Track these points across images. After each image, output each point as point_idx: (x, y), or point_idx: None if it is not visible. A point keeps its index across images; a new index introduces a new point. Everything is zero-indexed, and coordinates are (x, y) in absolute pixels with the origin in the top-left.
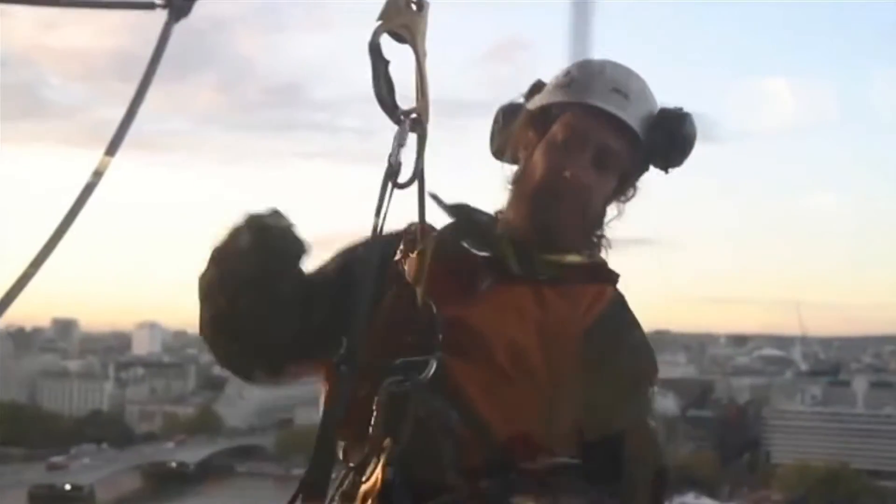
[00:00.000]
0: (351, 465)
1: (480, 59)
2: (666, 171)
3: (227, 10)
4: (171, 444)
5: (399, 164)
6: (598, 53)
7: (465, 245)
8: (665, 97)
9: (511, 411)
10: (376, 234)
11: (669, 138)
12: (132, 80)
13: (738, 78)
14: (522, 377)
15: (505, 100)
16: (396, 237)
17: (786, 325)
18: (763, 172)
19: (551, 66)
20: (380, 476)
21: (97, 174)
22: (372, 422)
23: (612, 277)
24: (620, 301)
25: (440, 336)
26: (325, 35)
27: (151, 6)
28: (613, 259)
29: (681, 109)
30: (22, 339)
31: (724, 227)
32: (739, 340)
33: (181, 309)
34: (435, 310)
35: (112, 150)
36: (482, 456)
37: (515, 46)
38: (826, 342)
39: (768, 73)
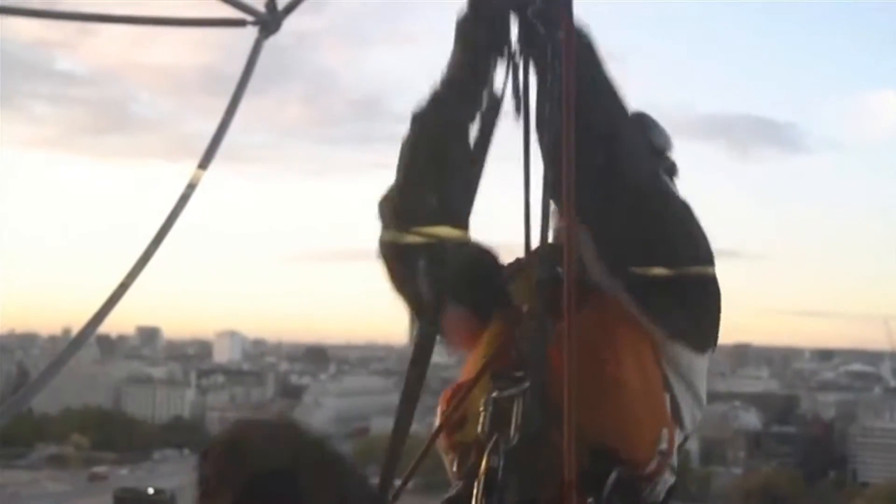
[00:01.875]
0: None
1: None
2: None
3: (311, 24)
4: None
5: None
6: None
7: (559, 270)
8: (753, 108)
9: (606, 424)
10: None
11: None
12: (219, 94)
13: (828, 88)
14: (616, 392)
15: None
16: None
17: (874, 339)
18: (853, 184)
19: (639, 78)
20: (484, 464)
21: (191, 186)
22: (479, 425)
23: None
24: None
25: (541, 354)
26: (405, 48)
27: (243, 23)
28: None
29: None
30: (107, 346)
31: (810, 239)
32: (825, 355)
33: (261, 318)
34: (536, 328)
35: (205, 162)
36: (576, 464)
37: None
38: None
39: (859, 86)
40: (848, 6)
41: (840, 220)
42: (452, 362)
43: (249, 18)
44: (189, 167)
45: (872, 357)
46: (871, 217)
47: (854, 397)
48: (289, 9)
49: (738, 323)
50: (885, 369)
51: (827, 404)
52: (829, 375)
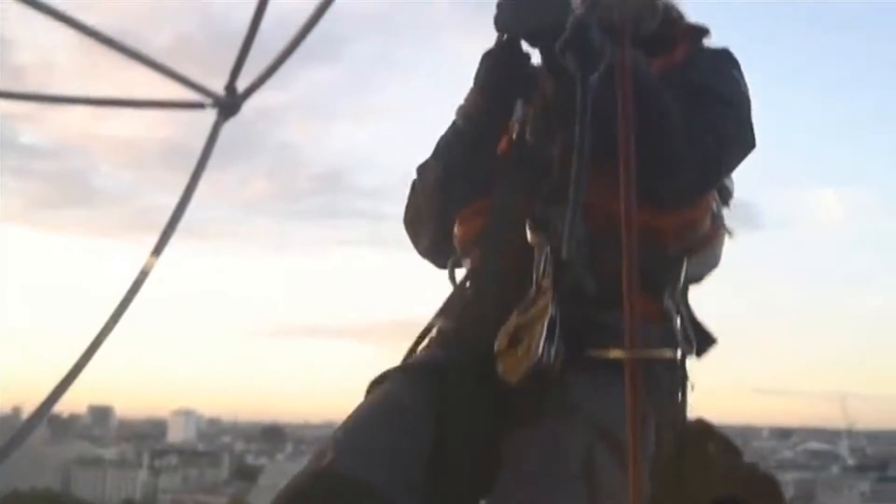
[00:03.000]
0: None
1: None
2: None
3: (274, 99)
4: None
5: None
6: None
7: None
8: None
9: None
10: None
11: None
12: (180, 168)
13: (776, 175)
14: None
15: None
16: None
17: (831, 417)
18: (808, 263)
19: None
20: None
21: (144, 273)
22: None
23: None
24: None
25: None
26: (368, 124)
27: (201, 106)
28: None
29: None
30: (58, 425)
31: (767, 317)
32: (783, 433)
33: (217, 396)
34: None
35: (159, 249)
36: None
37: None
38: (874, 436)
39: (804, 179)
40: (794, 110)
41: (796, 299)
42: None
43: (208, 101)
44: (150, 241)
45: (830, 435)
46: (826, 296)
47: (812, 476)
48: (248, 92)
49: (696, 400)
50: (842, 448)
51: (785, 483)
52: (787, 454)
